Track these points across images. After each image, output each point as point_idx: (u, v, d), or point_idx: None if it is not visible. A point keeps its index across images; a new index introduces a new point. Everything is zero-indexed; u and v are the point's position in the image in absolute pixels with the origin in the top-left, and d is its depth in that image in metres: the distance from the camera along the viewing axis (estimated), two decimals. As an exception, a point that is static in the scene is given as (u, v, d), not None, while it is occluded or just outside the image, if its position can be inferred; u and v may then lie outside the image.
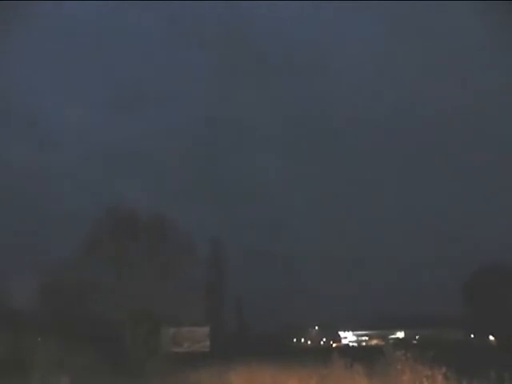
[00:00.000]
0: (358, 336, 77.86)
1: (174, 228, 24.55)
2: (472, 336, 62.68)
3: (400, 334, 73.11)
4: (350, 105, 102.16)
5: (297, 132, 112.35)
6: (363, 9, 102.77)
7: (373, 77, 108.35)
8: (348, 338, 78.04)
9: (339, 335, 78.44)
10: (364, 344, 71.97)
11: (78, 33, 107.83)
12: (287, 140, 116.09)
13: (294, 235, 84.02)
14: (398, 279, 72.93)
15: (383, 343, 55.19)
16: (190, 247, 25.04)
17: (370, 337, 76.01)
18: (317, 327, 77.83)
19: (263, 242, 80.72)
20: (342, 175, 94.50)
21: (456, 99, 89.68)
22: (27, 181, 66.24)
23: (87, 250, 22.85)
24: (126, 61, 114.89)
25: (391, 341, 56.54)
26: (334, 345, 69.95)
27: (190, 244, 24.94)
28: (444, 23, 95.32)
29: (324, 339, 77.08)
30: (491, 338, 58.03)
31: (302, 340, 76.31)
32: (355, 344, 73.16)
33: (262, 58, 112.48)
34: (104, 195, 55.54)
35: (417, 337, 67.20)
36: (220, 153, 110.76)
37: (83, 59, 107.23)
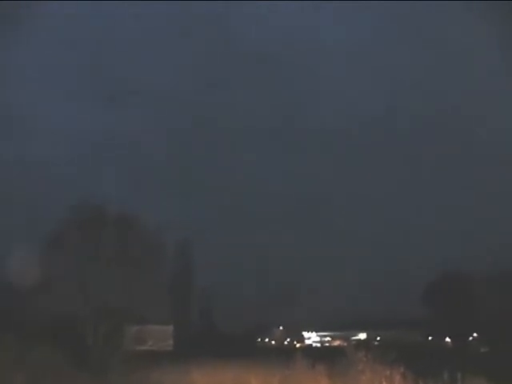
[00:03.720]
0: (321, 337, 78.99)
1: (144, 225, 24.35)
2: (430, 338, 64.84)
3: (362, 336, 74.63)
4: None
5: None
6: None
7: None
8: (312, 338, 79.03)
9: (303, 336, 79.31)
10: (327, 345, 73.01)
11: (59, 27, 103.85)
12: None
13: (267, 239, 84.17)
14: (361, 283, 74.47)
15: (345, 344, 56.25)
16: (159, 245, 24.89)
17: (333, 338, 77.25)
18: (281, 327, 78.41)
19: (236, 244, 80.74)
20: (325, 175, 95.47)
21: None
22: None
23: (52, 244, 22.35)
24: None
25: (353, 342, 57.66)
26: (297, 345, 70.63)
27: (158, 242, 24.78)
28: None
29: (288, 339, 77.73)
30: (448, 340, 60.26)
31: (267, 340, 76.68)
32: (318, 344, 74.14)
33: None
34: (75, 190, 53.96)
35: (378, 338, 68.76)
36: (205, 152, 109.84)
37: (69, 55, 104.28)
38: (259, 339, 74.72)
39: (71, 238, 22.57)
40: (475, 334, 57.51)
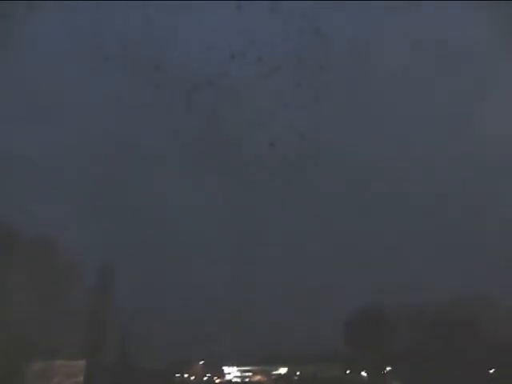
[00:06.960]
0: (242, 372, 77.94)
1: (57, 250, 23.06)
2: (348, 372, 66.83)
3: (283, 370, 74.79)
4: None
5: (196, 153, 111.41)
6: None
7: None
8: (232, 373, 77.71)
9: (223, 371, 77.79)
10: (247, 380, 72.36)
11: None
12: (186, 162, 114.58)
13: (188, 267, 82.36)
14: (282, 316, 75.09)
15: (265, 379, 56.25)
16: (73, 272, 23.66)
17: (254, 372, 76.57)
18: (201, 362, 76.46)
19: (158, 274, 78.15)
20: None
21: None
22: None
23: None
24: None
25: (274, 377, 57.91)
26: (217, 381, 69.13)
27: (73, 269, 23.55)
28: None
29: (208, 374, 75.83)
30: (364, 374, 62.60)
31: (186, 375, 74.31)
32: (238, 380, 73.14)
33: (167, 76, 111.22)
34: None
35: (298, 373, 69.40)
36: (122, 175, 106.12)
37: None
38: (178, 374, 72.32)
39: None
40: (389, 368, 60.44)
